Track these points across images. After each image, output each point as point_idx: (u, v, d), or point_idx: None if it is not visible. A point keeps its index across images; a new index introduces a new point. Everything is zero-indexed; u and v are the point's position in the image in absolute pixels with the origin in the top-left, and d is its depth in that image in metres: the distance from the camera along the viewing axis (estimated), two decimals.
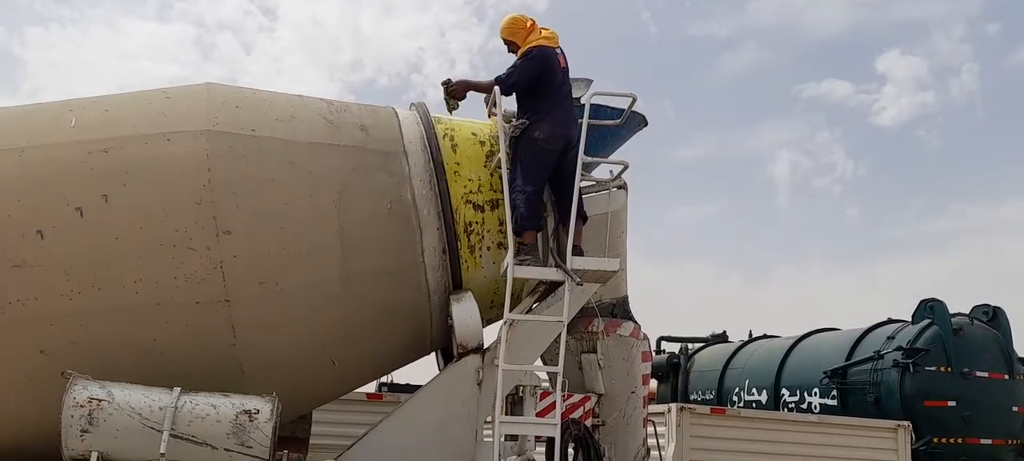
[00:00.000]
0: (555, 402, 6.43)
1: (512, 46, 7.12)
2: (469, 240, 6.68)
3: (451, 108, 7.04)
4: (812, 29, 49.40)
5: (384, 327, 6.53)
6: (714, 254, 52.12)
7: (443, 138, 6.82)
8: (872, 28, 47.90)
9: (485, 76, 7.11)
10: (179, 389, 5.62)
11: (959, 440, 12.92)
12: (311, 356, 6.27)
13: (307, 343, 6.21)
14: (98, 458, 5.45)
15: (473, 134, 7.03)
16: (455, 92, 7.01)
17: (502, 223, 6.70)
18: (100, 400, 5.48)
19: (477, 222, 6.72)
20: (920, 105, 49.38)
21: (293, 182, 6.17)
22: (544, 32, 7.05)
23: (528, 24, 7.09)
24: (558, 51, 7.02)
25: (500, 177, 6.66)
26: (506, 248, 6.61)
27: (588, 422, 7.44)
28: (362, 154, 6.51)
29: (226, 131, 6.13)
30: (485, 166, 6.87)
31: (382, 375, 7.82)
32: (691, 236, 52.22)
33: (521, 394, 6.84)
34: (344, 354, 6.41)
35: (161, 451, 5.43)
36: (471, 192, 6.75)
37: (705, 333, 18.87)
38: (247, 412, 5.63)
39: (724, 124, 51.82)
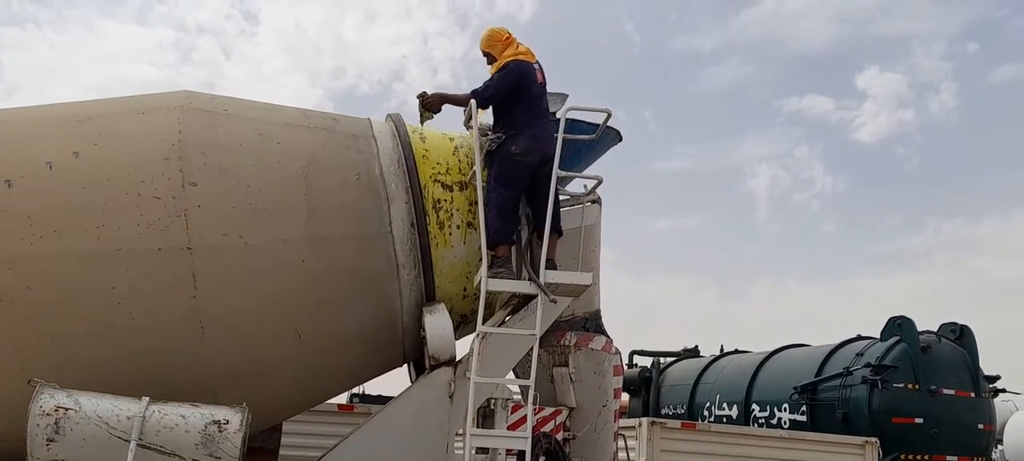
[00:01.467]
0: (526, 415, 6.44)
1: (490, 58, 7.17)
2: (438, 217, 6.73)
3: (424, 119, 7.06)
4: (795, 44, 49.96)
5: (353, 300, 6.44)
6: (692, 267, 52.57)
7: (413, 132, 6.97)
8: (854, 44, 48.58)
9: (467, 85, 7.19)
10: (148, 399, 5.58)
11: (926, 457, 13.07)
12: (275, 322, 6.16)
13: (272, 306, 6.11)
14: None
15: (443, 133, 7.16)
16: (430, 105, 7.03)
17: (471, 204, 6.79)
18: (67, 409, 5.42)
19: (446, 200, 6.79)
20: (899, 122, 50.07)
21: (261, 149, 6.32)
22: (520, 48, 7.08)
23: (505, 37, 7.13)
24: (536, 66, 7.07)
25: (475, 186, 6.69)
26: (476, 228, 6.68)
27: (559, 435, 7.45)
28: (331, 134, 6.71)
29: (199, 108, 6.36)
30: (454, 154, 6.96)
31: (352, 380, 7.64)
32: (670, 249, 52.58)
33: (492, 407, 6.84)
34: (311, 328, 6.29)
35: None
36: (439, 173, 6.85)
37: (679, 347, 18.98)
38: (216, 422, 5.58)
39: (705, 137, 52.31)
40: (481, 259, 6.57)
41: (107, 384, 5.65)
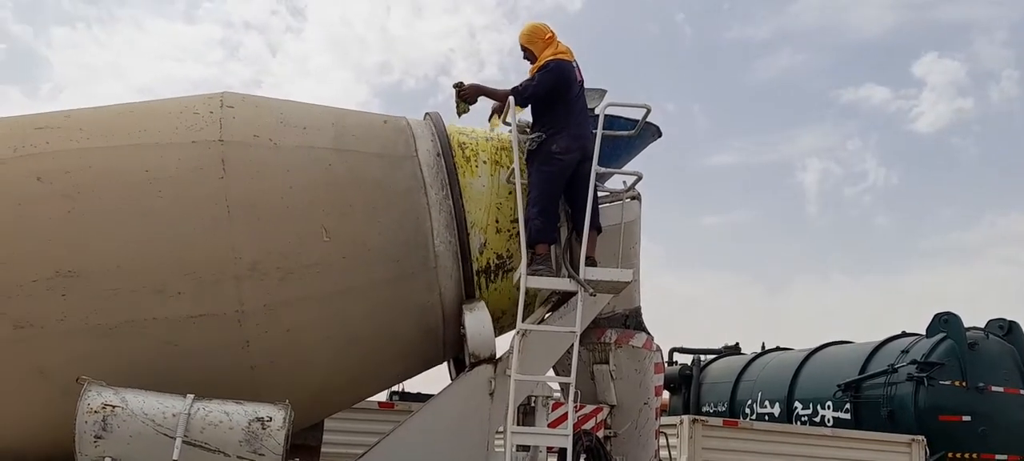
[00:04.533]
0: (567, 413, 6.42)
1: (529, 54, 7.15)
2: (463, 152, 6.96)
3: (461, 111, 7.10)
4: (854, 31, 48.24)
5: (379, 208, 6.54)
6: (739, 263, 51.52)
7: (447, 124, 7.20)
8: (914, 30, 46.92)
9: (515, 79, 7.21)
10: (192, 396, 5.65)
11: (974, 455, 12.87)
12: (300, 218, 6.31)
13: (297, 199, 6.34)
14: None
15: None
16: (467, 95, 7.06)
17: (497, 151, 6.98)
18: (114, 406, 5.51)
19: (471, 143, 7.05)
20: (957, 111, 48.40)
21: (292, 105, 7.03)
22: (561, 47, 7.07)
23: (547, 36, 7.11)
24: (575, 65, 7.05)
25: (514, 188, 6.69)
26: (503, 166, 6.89)
27: (600, 433, 7.42)
28: (360, 111, 7.41)
29: (239, 93, 7.03)
30: (487, 139, 7.13)
31: (388, 331, 7.19)
32: (717, 245, 51.69)
33: (533, 404, 6.83)
34: (337, 227, 6.36)
35: (174, 457, 5.46)
36: (463, 134, 7.14)
37: (721, 343, 18.86)
38: (260, 420, 5.65)
39: (757, 130, 50.98)
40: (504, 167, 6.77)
41: (132, 261, 5.97)
